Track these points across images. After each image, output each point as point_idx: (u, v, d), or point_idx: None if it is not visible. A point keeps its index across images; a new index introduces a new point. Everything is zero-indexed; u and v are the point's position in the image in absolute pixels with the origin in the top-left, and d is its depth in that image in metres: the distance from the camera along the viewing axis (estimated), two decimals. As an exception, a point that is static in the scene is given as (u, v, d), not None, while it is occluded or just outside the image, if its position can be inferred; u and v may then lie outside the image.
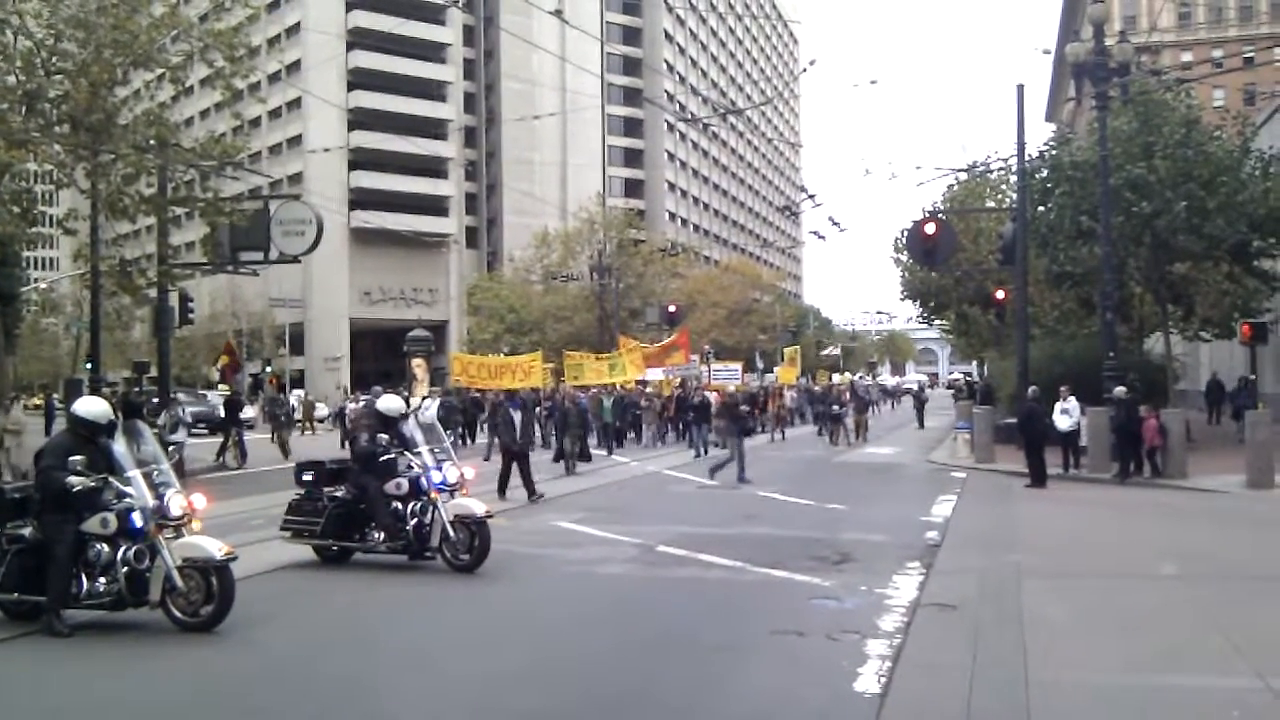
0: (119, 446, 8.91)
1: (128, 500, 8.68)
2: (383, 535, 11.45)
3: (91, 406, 9.35)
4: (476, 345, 62.11)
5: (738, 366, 46.77)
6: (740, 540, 13.40)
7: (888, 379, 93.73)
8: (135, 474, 8.74)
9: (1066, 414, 21.54)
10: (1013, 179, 31.90)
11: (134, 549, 8.60)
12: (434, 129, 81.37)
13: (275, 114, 78.44)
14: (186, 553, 8.61)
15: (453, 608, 10.08)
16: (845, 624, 8.80)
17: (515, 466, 17.88)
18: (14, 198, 22.32)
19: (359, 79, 78.13)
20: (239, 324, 66.26)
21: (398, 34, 74.46)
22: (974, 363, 62.28)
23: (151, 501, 8.65)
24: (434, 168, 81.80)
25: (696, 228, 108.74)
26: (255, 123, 70.29)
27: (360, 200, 76.91)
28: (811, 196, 36.63)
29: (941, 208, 39.44)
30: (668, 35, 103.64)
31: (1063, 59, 36.91)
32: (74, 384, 39.16)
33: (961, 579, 10.70)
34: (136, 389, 35.81)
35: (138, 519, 8.62)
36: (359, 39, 77.36)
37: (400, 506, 11.50)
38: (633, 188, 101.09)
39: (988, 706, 6.61)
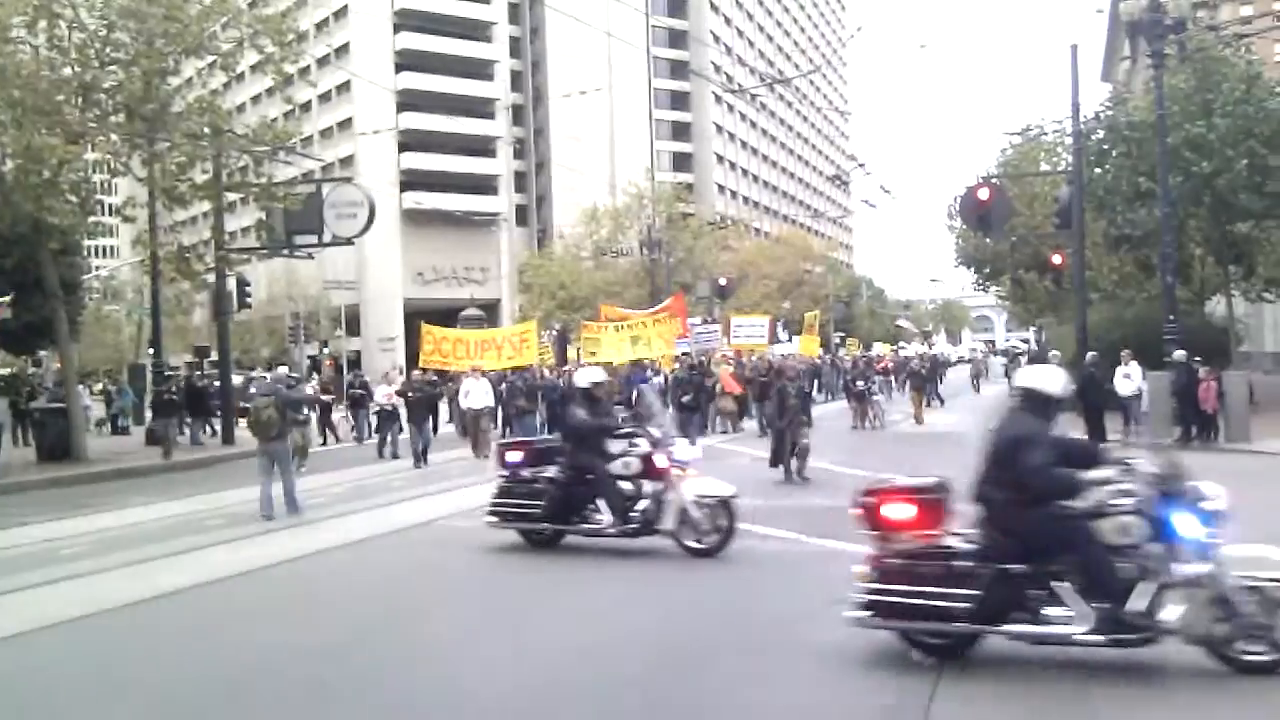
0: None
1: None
2: (610, 517, 10.97)
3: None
4: (529, 323, 62.24)
5: (764, 320, 39.80)
6: (795, 511, 13.38)
7: (944, 348, 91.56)
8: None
9: (1128, 378, 21.21)
10: (1068, 141, 31.34)
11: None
12: (482, 108, 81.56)
13: (325, 98, 78.88)
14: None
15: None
16: (903, 593, 8.73)
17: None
18: (73, 188, 22.78)
19: (407, 60, 78.45)
20: (295, 306, 66.88)
21: (444, 14, 74.65)
22: (1031, 329, 61.44)
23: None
24: (483, 147, 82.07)
25: (746, 200, 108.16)
26: (306, 107, 70.70)
27: (411, 181, 77.41)
28: (861, 165, 36.47)
29: (995, 173, 38.87)
30: (713, 6, 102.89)
31: (1117, 17, 36.13)
32: (137, 369, 40.08)
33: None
34: (198, 373, 36.36)
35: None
36: (405, 20, 77.68)
37: (629, 486, 11.01)
38: (681, 161, 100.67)
39: (1050, 670, 6.57)
